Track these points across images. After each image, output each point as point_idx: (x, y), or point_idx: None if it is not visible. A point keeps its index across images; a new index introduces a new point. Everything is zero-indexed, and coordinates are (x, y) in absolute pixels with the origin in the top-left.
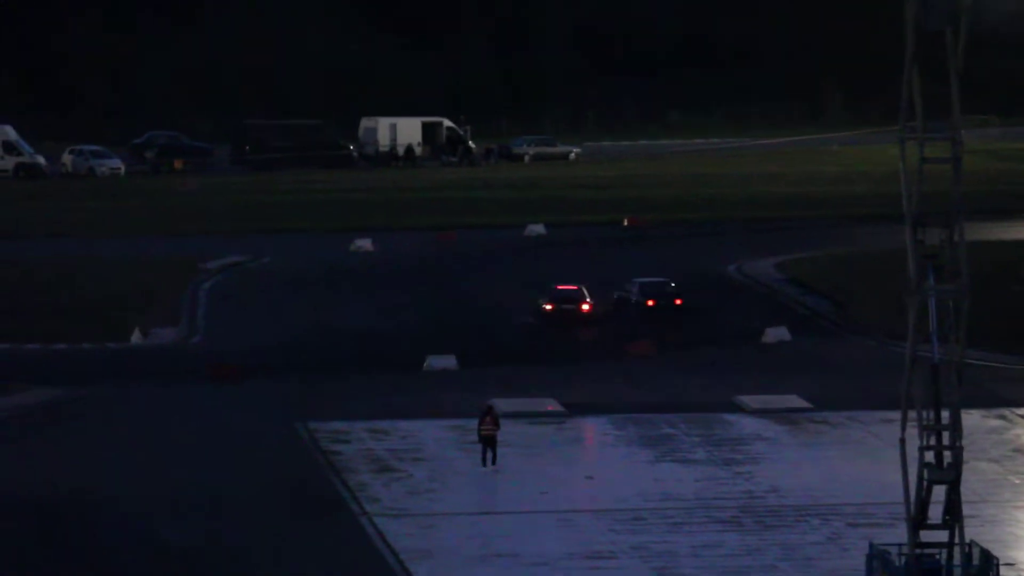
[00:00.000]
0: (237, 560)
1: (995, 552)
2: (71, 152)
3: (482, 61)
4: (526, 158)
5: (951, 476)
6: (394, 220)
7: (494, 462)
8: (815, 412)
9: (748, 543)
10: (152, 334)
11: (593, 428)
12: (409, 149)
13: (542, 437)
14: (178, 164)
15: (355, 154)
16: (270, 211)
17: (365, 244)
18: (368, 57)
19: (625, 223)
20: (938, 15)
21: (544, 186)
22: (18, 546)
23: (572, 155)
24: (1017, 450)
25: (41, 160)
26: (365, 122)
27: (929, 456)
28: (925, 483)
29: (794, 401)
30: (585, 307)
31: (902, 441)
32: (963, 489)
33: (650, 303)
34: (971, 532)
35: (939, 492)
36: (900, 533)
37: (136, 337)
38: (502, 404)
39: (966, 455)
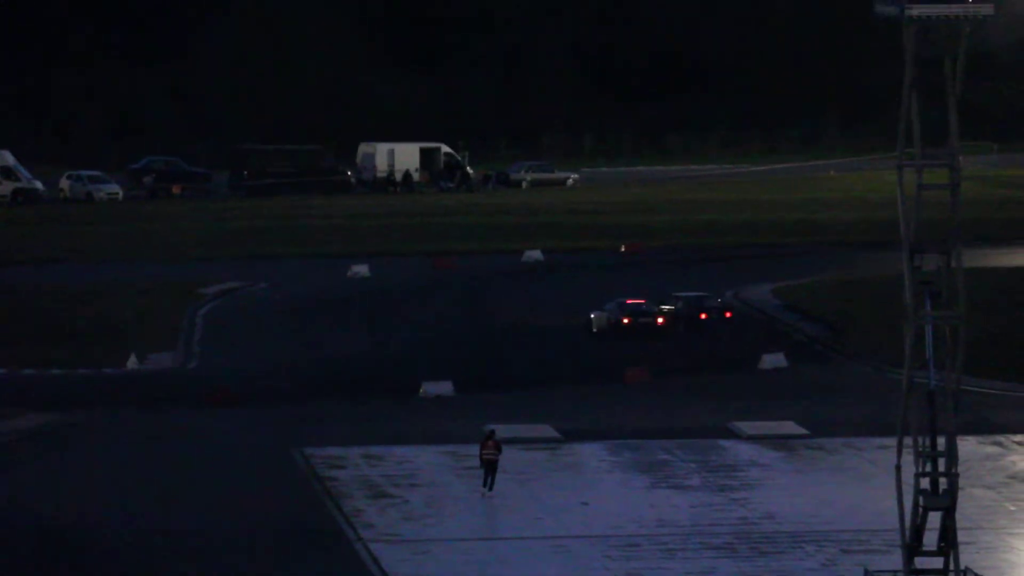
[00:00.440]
0: None
1: None
2: (69, 177)
3: (480, 87)
4: (524, 184)
5: (946, 503)
6: (391, 246)
7: (491, 487)
8: (811, 438)
9: (743, 570)
10: (148, 359)
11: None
12: (407, 175)
13: (537, 463)
14: (176, 189)
15: (353, 179)
16: (267, 236)
17: (362, 270)
18: (366, 83)
19: (623, 249)
20: (937, 42)
21: (542, 212)
22: (12, 572)
23: (570, 181)
24: (1012, 477)
25: (39, 185)
26: (363, 147)
27: (925, 483)
28: (920, 509)
29: (790, 427)
30: (660, 320)
31: (898, 468)
32: (958, 516)
33: (703, 316)
34: (966, 559)
35: (934, 519)
36: (895, 560)
37: (132, 362)
38: (499, 430)
39: (961, 482)
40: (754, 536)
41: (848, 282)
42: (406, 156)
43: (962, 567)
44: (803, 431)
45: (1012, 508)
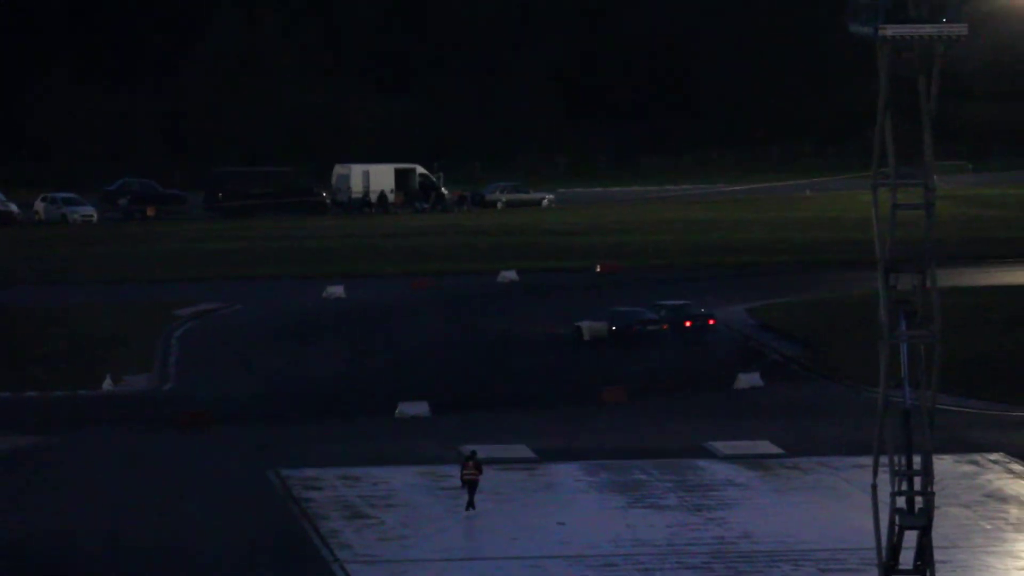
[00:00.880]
0: None
1: None
2: (43, 199)
3: (455, 108)
4: (499, 204)
5: (923, 521)
6: (367, 267)
7: (469, 507)
8: (787, 458)
9: None
10: (124, 381)
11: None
12: (382, 196)
13: (514, 483)
14: (151, 211)
15: (328, 201)
16: (243, 258)
17: (338, 291)
18: (341, 104)
19: (598, 269)
20: (911, 62)
21: (517, 232)
22: None
23: (545, 201)
24: (988, 496)
25: (13, 207)
26: (338, 169)
27: (901, 501)
28: (897, 528)
29: (766, 447)
30: (664, 326)
31: (874, 487)
32: (934, 534)
33: (687, 323)
34: None
35: (911, 537)
36: None
37: (108, 384)
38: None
39: (937, 500)
40: (731, 556)
41: (824, 301)
42: (381, 177)
43: None
44: (779, 450)
45: (988, 527)
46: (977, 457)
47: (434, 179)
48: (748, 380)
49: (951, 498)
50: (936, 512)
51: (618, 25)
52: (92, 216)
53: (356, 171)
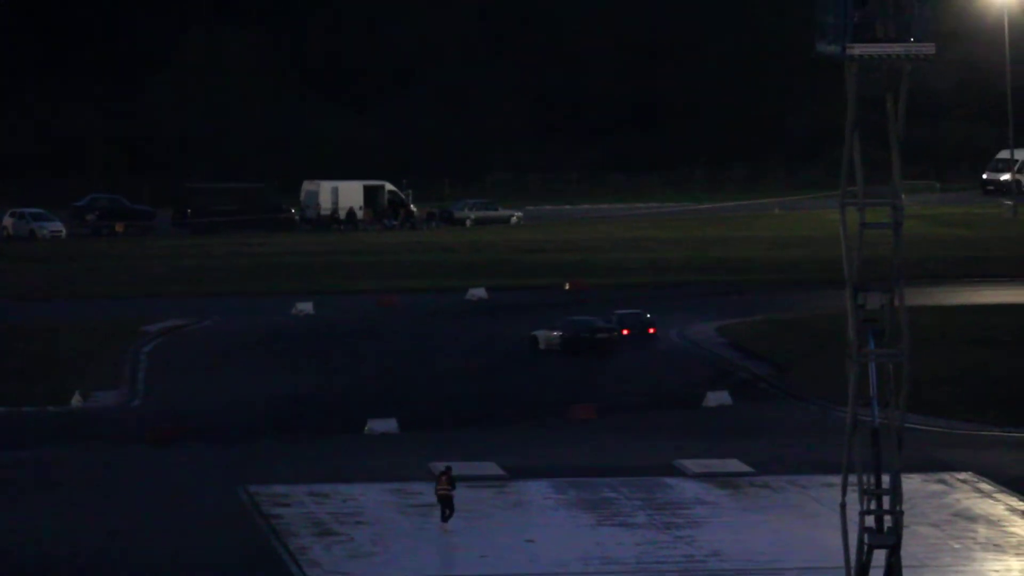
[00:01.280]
0: None
1: None
2: (12, 215)
3: (424, 125)
4: (468, 222)
5: (891, 540)
6: (335, 284)
7: (446, 520)
8: (756, 476)
9: None
10: (93, 397)
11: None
12: (351, 213)
13: (483, 500)
14: (119, 227)
15: (297, 217)
16: (211, 274)
17: (306, 307)
18: (310, 121)
19: (567, 287)
20: (878, 82)
21: (486, 250)
22: None
23: (514, 219)
24: (957, 515)
25: None
26: (307, 185)
27: (869, 520)
28: (866, 547)
29: (735, 465)
30: (624, 331)
31: (843, 505)
32: (903, 553)
33: (625, 332)
34: None
35: (879, 556)
36: None
37: (76, 400)
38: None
39: (906, 519)
40: (700, 574)
41: (792, 320)
42: (350, 194)
43: None
44: (748, 469)
45: (957, 546)
46: (946, 476)
47: (403, 196)
48: (717, 398)
49: (920, 517)
50: (905, 531)
51: (586, 43)
52: (61, 232)
53: (325, 188)
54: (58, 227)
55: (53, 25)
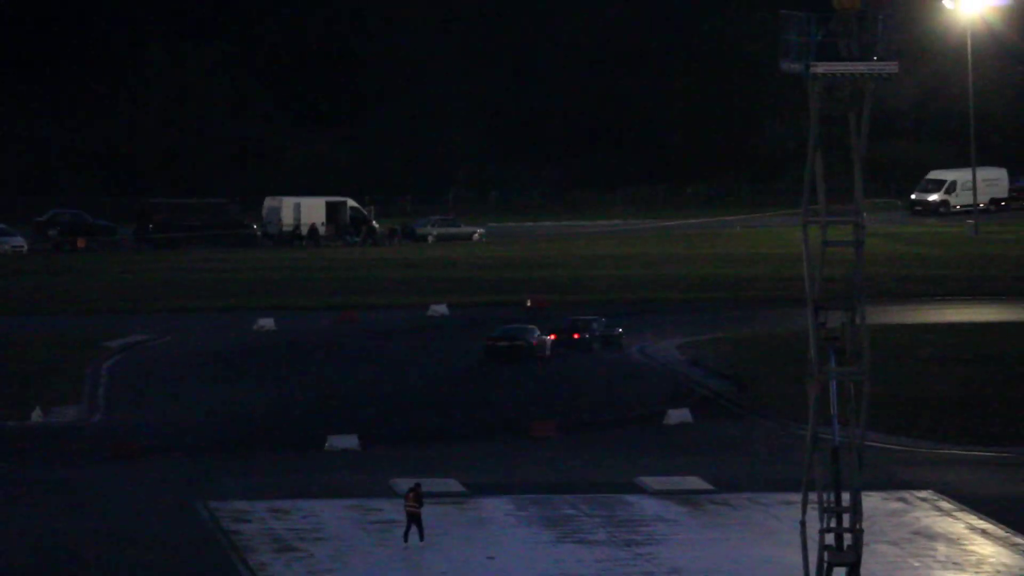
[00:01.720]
0: None
1: None
2: None
3: (387, 142)
4: (430, 238)
5: (851, 558)
6: (297, 300)
7: (405, 539)
8: (716, 493)
9: None
10: (53, 412)
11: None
12: (313, 229)
13: (443, 517)
14: (81, 242)
15: (259, 233)
16: (173, 290)
17: (268, 323)
18: (273, 137)
19: (528, 304)
20: (841, 99)
21: (447, 267)
22: None
23: (476, 235)
24: (917, 533)
25: None
26: (269, 201)
27: (829, 538)
28: (825, 565)
29: (696, 482)
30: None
31: (802, 523)
32: (863, 572)
33: (575, 336)
34: None
35: (839, 575)
36: None
37: (37, 415)
38: (404, 484)
39: (866, 537)
40: None
41: (753, 338)
42: (312, 210)
43: None
44: (708, 486)
45: (916, 564)
46: (906, 494)
47: (365, 212)
48: (678, 416)
49: (880, 535)
50: (864, 549)
51: (550, 61)
52: (22, 247)
53: (287, 204)
54: (19, 242)
55: (13, 40)
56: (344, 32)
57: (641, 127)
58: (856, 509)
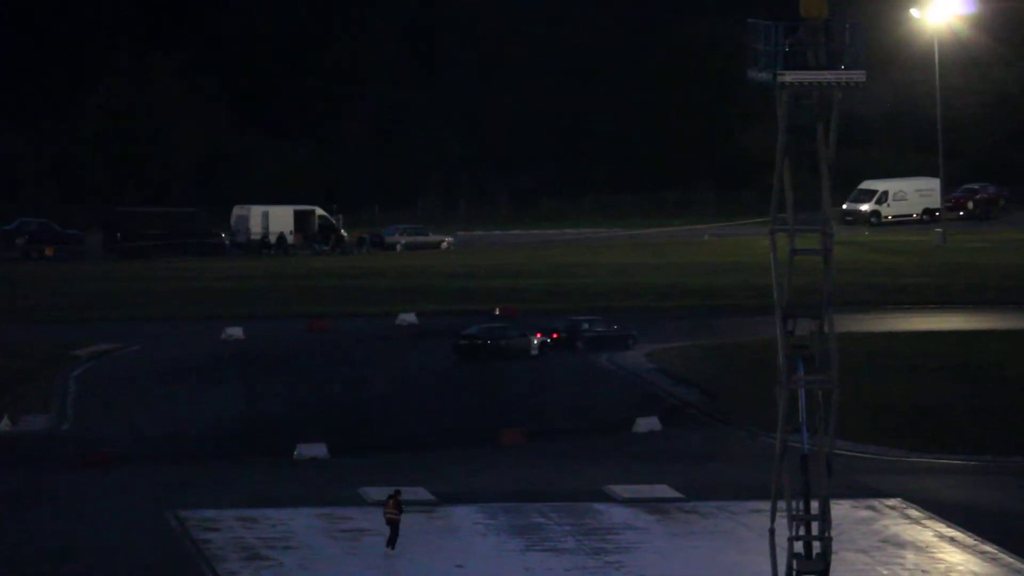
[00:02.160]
0: None
1: None
2: None
3: (355, 150)
4: (398, 247)
5: (820, 566)
6: (265, 308)
7: (392, 546)
8: (685, 502)
9: None
10: (22, 421)
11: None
12: (281, 237)
13: (412, 525)
14: (49, 251)
15: (227, 242)
16: (141, 299)
17: (236, 332)
18: (241, 145)
19: (497, 312)
20: (809, 108)
21: (416, 275)
22: None
23: (444, 244)
24: (885, 541)
25: None
26: (237, 210)
27: (798, 546)
28: (794, 573)
29: (664, 491)
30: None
31: (771, 531)
32: None
33: (555, 335)
34: None
35: None
36: None
37: (5, 424)
38: (373, 493)
39: (835, 545)
40: None
41: (722, 346)
42: (280, 219)
43: None
44: (677, 495)
45: (885, 572)
46: (874, 502)
47: (334, 221)
48: (646, 424)
49: (848, 543)
50: (833, 557)
51: (517, 68)
52: None
53: (255, 212)
54: None
55: None
56: (312, 40)
57: (610, 135)
58: (825, 517)
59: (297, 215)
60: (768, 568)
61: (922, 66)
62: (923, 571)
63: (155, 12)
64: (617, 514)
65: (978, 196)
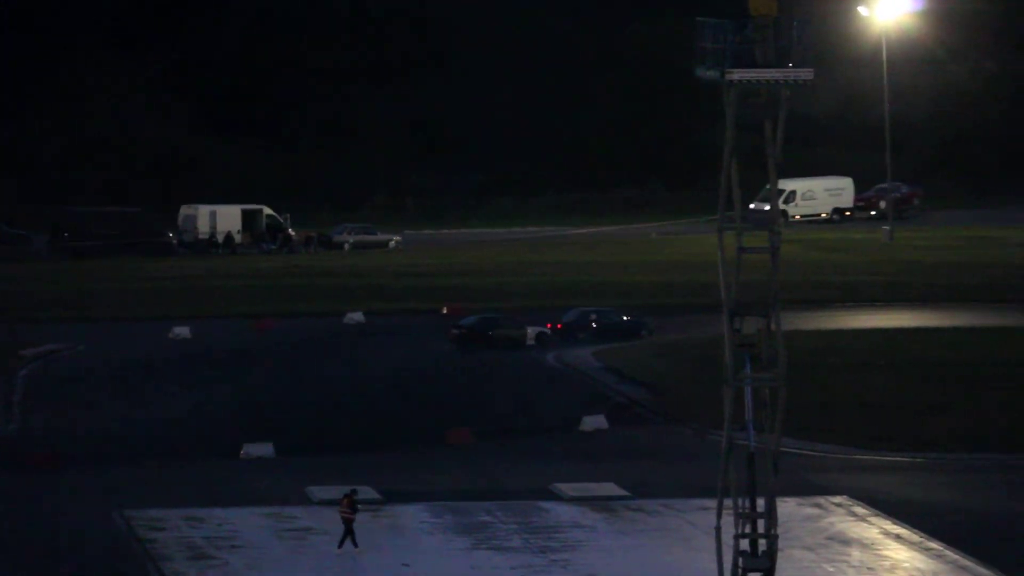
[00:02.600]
0: None
1: None
2: None
3: (302, 149)
4: (346, 246)
5: (766, 564)
6: (213, 308)
7: (342, 545)
8: (632, 500)
9: None
10: None
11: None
12: (228, 236)
13: (358, 524)
14: None
15: (175, 241)
16: (88, 298)
17: (183, 332)
18: (189, 145)
19: (444, 311)
20: (757, 106)
21: (364, 274)
22: None
23: (392, 243)
24: (831, 538)
25: None
26: (184, 210)
27: (744, 544)
28: (740, 571)
29: (611, 489)
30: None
31: (718, 529)
32: None
33: (548, 326)
34: None
35: None
36: None
37: None
38: (319, 492)
39: (781, 543)
40: None
41: (669, 344)
42: (228, 218)
43: None
44: (624, 492)
45: (831, 569)
46: (820, 500)
47: (281, 220)
48: (593, 422)
49: (794, 541)
50: (779, 555)
51: (467, 68)
52: None
53: (203, 212)
54: None
55: None
56: (261, 40)
57: (560, 133)
58: (771, 515)
59: (245, 214)
60: (714, 566)
61: (871, 64)
62: (869, 568)
63: (108, 14)
64: (563, 512)
65: (892, 195)
